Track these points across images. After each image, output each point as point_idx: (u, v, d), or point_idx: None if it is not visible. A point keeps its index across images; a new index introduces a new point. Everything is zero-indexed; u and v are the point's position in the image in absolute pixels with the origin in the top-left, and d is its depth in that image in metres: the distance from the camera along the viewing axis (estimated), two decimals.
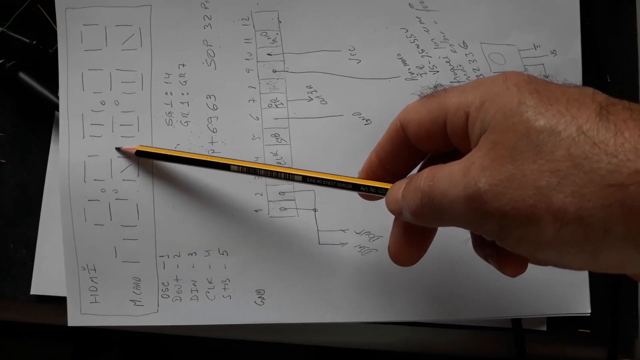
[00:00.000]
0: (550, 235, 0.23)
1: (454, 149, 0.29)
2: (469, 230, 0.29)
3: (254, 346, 0.46)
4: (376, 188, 0.32)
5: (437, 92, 0.29)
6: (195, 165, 0.38)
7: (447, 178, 0.26)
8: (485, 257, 0.30)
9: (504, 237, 0.25)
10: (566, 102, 0.24)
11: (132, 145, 0.41)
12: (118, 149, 0.41)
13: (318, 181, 0.34)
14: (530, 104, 0.24)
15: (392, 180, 0.31)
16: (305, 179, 0.35)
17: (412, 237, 0.32)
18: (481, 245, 0.30)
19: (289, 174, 0.35)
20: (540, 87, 0.25)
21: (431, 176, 0.27)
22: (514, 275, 0.29)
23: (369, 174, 0.33)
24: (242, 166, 0.36)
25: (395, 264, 0.32)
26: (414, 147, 0.30)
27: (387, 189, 0.31)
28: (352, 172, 0.41)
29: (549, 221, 0.23)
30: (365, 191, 0.33)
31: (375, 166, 0.32)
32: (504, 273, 0.29)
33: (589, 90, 0.25)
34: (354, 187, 0.33)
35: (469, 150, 0.26)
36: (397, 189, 0.30)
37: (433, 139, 0.29)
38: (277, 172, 0.35)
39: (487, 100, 0.25)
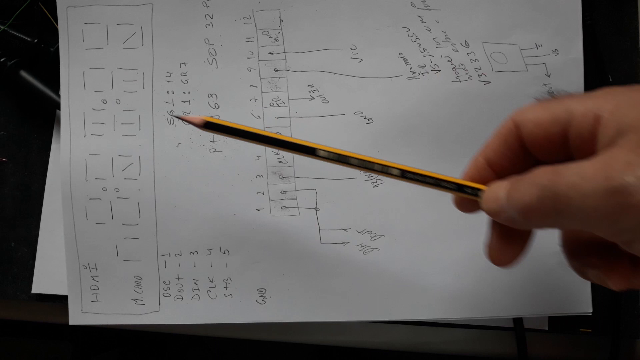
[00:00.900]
0: None
1: (568, 158, 0.28)
2: (560, 243, 0.30)
3: (255, 345, 0.46)
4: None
5: (557, 97, 0.28)
6: (276, 146, 0.31)
7: (576, 173, 0.25)
8: (583, 268, 0.29)
9: None
10: None
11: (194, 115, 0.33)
12: (177, 117, 0.34)
13: (418, 177, 0.30)
14: None
15: None
16: (404, 174, 0.30)
17: (512, 238, 0.31)
18: (583, 255, 0.29)
19: (385, 166, 0.30)
20: None
21: (552, 171, 0.26)
22: (621, 287, 0.28)
23: (474, 176, 0.31)
24: (331, 152, 0.31)
25: (495, 265, 0.31)
26: (525, 152, 0.29)
27: None
28: (353, 171, 0.41)
29: None
30: (469, 193, 0.30)
31: (482, 168, 0.31)
32: (608, 285, 0.28)
33: None
34: (458, 188, 0.30)
35: (588, 155, 0.26)
36: (496, 187, 0.29)
37: (550, 142, 0.28)
38: (372, 162, 0.31)
39: (624, 104, 0.25)
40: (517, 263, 0.31)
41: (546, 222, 0.27)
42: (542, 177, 0.26)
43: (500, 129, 0.30)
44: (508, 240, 0.31)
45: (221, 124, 0.31)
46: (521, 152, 0.30)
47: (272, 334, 0.44)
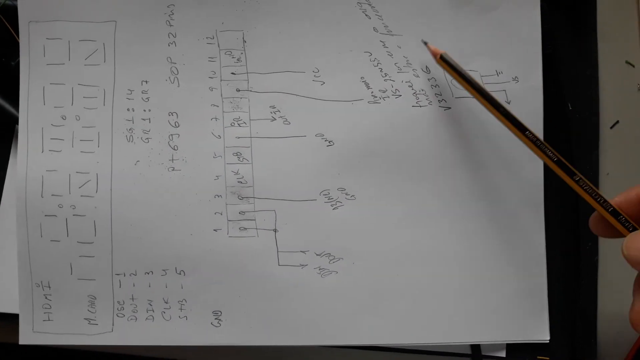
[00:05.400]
0: None
1: None
2: None
3: None
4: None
5: None
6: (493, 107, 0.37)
7: None
8: None
9: None
10: None
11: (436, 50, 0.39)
12: (425, 43, 0.40)
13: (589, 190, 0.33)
14: None
15: None
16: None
17: None
18: None
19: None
20: None
21: None
22: None
23: (621, 206, 0.33)
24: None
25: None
26: None
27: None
28: (313, 193, 0.41)
29: None
30: (621, 222, 0.32)
31: (632, 202, 0.32)
32: None
33: None
34: (614, 213, 0.33)
35: None
36: None
37: None
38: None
39: None
40: None
41: None
42: None
43: None
44: None
45: (452, 64, 0.38)
46: None
47: (229, 357, 0.44)
